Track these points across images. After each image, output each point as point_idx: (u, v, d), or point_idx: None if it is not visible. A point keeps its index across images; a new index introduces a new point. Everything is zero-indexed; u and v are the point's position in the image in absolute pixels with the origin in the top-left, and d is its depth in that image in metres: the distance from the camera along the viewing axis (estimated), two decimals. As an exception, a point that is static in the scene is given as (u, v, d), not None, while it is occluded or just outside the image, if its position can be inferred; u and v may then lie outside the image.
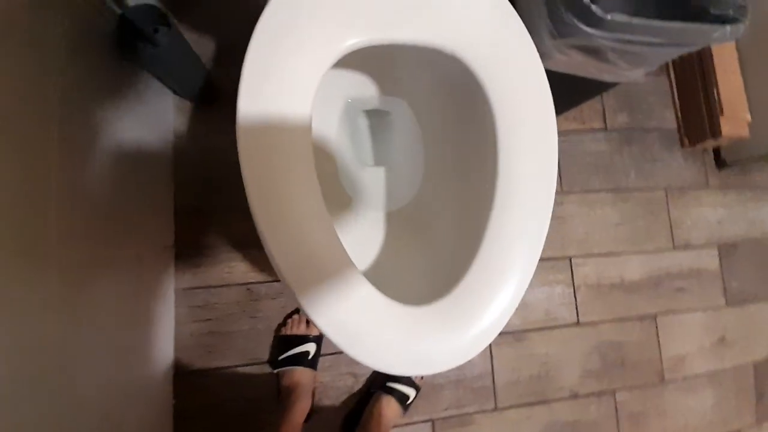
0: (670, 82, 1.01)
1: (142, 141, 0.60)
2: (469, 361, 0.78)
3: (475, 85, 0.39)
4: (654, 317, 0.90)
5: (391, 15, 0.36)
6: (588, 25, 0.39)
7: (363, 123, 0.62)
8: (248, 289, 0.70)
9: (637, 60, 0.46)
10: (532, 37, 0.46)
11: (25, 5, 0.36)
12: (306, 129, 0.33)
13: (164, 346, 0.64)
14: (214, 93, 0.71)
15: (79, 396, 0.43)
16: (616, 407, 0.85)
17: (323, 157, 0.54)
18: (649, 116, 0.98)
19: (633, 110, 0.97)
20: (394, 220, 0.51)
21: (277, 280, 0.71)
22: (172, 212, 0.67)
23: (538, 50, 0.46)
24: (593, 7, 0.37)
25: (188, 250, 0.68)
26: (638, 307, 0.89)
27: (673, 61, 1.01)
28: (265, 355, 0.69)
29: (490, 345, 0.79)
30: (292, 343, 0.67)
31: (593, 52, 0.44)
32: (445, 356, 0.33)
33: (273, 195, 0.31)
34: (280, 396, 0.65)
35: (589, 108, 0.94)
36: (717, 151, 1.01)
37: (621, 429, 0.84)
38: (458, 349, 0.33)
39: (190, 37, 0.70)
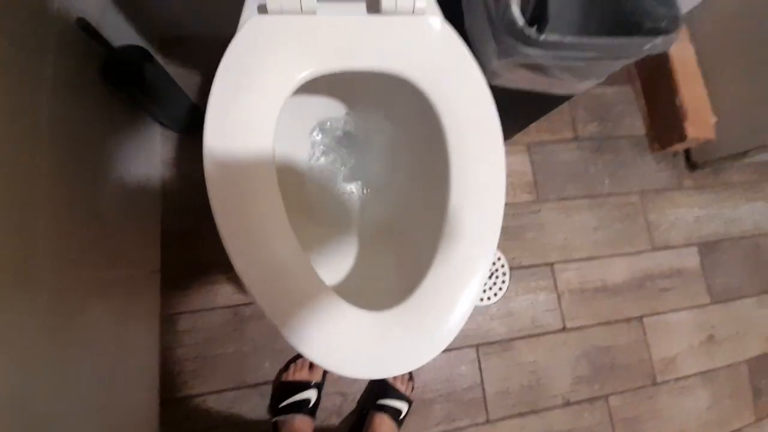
0: (636, 90, 1.06)
1: (129, 169, 0.63)
2: (458, 372, 0.79)
3: (427, 104, 0.42)
4: (640, 319, 0.90)
5: (342, 47, 0.40)
6: (525, 45, 0.42)
7: (340, 144, 0.65)
8: (234, 311, 0.71)
9: (581, 73, 0.50)
10: (482, 58, 0.50)
11: (16, 42, 0.40)
12: (268, 158, 0.36)
13: (149, 373, 0.64)
14: (200, 122, 0.75)
15: (63, 425, 0.43)
16: (610, 413, 0.84)
17: (299, 178, 0.56)
18: (618, 124, 1.02)
19: (602, 119, 1.01)
20: (368, 232, 0.53)
21: (262, 301, 0.72)
22: (159, 237, 0.69)
23: (488, 70, 0.50)
24: (527, 30, 0.41)
25: (174, 274, 0.69)
26: (624, 310, 0.90)
27: (638, 70, 1.06)
28: (252, 378, 0.69)
29: (478, 356, 0.80)
30: (294, 389, 0.66)
31: (538, 69, 0.48)
32: (408, 356, 0.34)
33: (238, 218, 0.34)
34: None
35: (559, 119, 0.98)
36: (688, 154, 1.05)
37: (617, 435, 0.83)
38: (421, 348, 0.34)
39: (176, 71, 0.75)
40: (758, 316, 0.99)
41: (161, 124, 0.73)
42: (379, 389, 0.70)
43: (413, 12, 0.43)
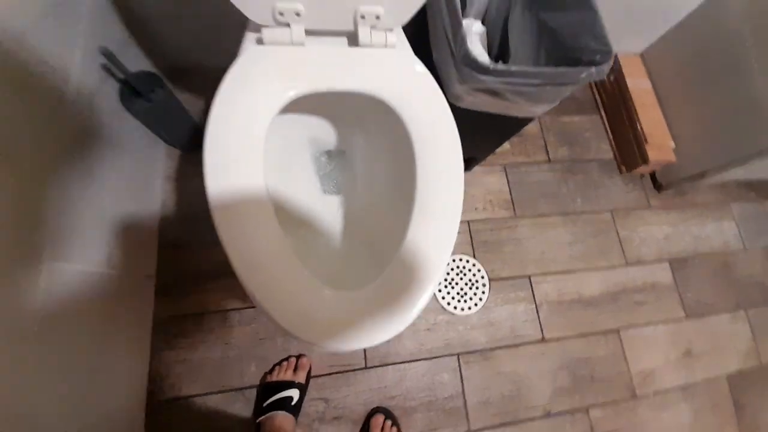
0: (602, 119, 1.16)
1: (134, 180, 0.70)
2: (440, 381, 0.81)
3: (398, 119, 0.49)
4: (617, 331, 0.94)
5: (326, 71, 0.48)
6: (479, 73, 0.50)
7: (325, 161, 0.73)
8: (223, 317, 0.75)
9: (533, 98, 0.58)
10: (447, 84, 0.58)
11: (46, 62, 0.47)
12: (259, 165, 0.42)
13: (139, 373, 0.66)
14: (202, 142, 0.82)
15: (41, 424, 0.44)
16: (591, 425, 0.85)
17: (292, 188, 0.63)
18: (587, 149, 1.11)
19: (572, 144, 1.10)
20: (348, 230, 0.59)
21: (250, 307, 0.76)
22: (156, 244, 0.74)
23: (453, 94, 0.58)
24: (479, 60, 0.49)
25: (168, 280, 0.73)
26: (600, 322, 0.93)
27: (602, 101, 1.17)
28: (237, 382, 0.72)
29: (459, 365, 0.82)
30: (276, 388, 0.68)
31: (494, 93, 0.56)
32: (377, 328, 0.38)
33: (232, 217, 0.39)
34: None
35: (533, 144, 1.07)
36: (654, 176, 1.13)
37: (599, 448, 0.83)
38: (388, 322, 0.39)
39: (183, 96, 0.83)
40: (734, 332, 1.02)
41: (166, 142, 0.80)
42: None
43: (386, 46, 0.51)
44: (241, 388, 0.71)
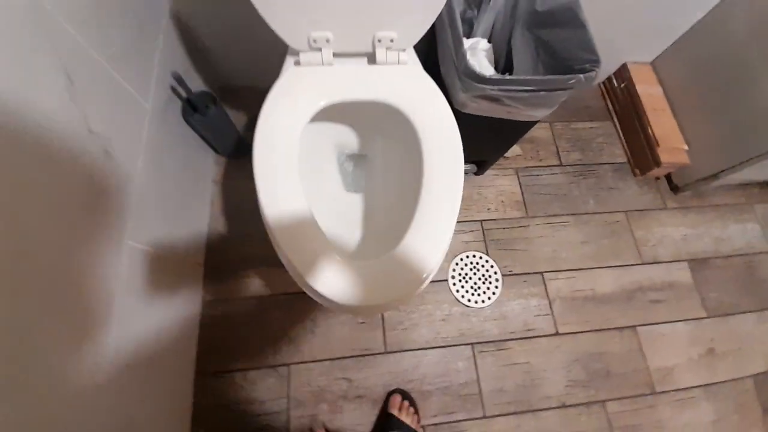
0: (614, 125, 1.20)
1: (189, 180, 0.83)
2: (455, 368, 0.87)
3: (409, 124, 0.59)
4: (634, 328, 0.95)
5: (350, 85, 0.58)
6: (477, 82, 0.59)
7: (349, 163, 0.83)
8: (259, 301, 0.85)
9: (528, 103, 0.65)
10: (452, 93, 0.67)
11: (131, 83, 0.61)
12: (294, 160, 0.52)
13: (189, 348, 0.77)
14: (244, 150, 0.95)
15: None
16: (608, 419, 0.86)
17: (319, 186, 0.73)
18: (599, 153, 1.15)
19: (584, 149, 1.15)
20: (367, 224, 0.68)
21: (283, 294, 0.86)
22: (205, 236, 0.87)
23: (458, 101, 0.67)
24: (477, 70, 0.58)
25: (214, 267, 0.85)
26: (615, 319, 0.95)
27: (614, 108, 1.21)
28: (271, 360, 0.80)
29: (473, 354, 0.88)
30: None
31: (494, 99, 0.64)
32: (389, 288, 0.47)
33: (274, 201, 0.49)
34: None
35: (545, 150, 1.13)
36: (670, 178, 1.15)
37: (616, 441, 0.84)
38: (397, 283, 0.47)
39: (230, 111, 0.98)
40: (760, 332, 1.00)
41: (215, 150, 0.94)
42: (385, 423, 0.76)
43: (399, 63, 0.62)
44: (275, 366, 0.80)
